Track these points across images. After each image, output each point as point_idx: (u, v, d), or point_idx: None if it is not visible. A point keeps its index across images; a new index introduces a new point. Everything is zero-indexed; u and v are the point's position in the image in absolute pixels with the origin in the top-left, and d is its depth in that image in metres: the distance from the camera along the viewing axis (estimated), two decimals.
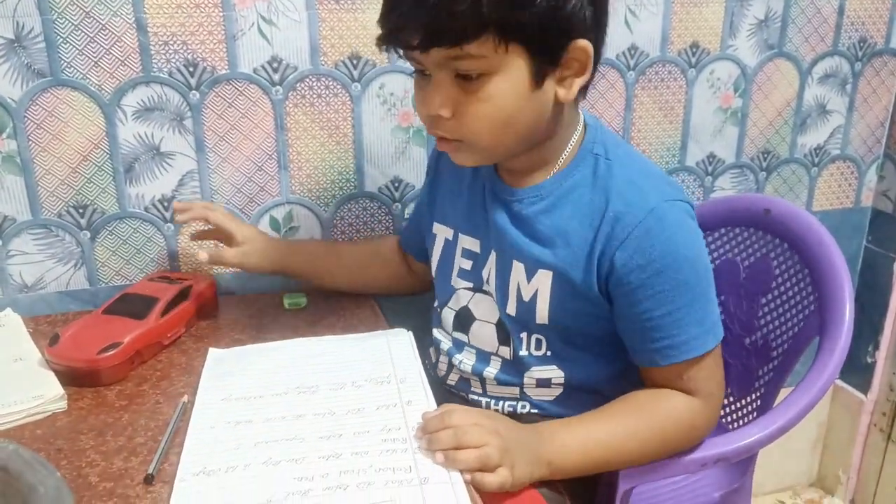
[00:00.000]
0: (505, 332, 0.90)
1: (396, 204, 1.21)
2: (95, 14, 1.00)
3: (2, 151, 1.03)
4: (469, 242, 0.93)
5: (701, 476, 1.03)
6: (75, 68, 1.02)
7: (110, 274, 1.12)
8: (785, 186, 1.44)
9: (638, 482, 0.86)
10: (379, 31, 0.78)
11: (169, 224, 1.12)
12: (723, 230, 1.12)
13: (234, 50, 1.07)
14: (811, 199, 1.47)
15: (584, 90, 0.82)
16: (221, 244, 1.06)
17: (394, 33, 0.76)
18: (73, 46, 1.01)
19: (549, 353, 0.88)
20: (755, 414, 1.05)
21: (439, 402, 0.81)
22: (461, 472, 0.70)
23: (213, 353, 0.95)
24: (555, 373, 0.89)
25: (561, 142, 0.85)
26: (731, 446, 0.88)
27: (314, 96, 1.12)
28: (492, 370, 0.92)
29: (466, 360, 0.93)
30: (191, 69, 1.06)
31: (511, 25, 0.72)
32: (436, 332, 0.99)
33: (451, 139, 0.81)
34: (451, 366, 0.95)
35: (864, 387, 1.58)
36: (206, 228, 1.08)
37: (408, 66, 0.83)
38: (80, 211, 1.08)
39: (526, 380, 0.90)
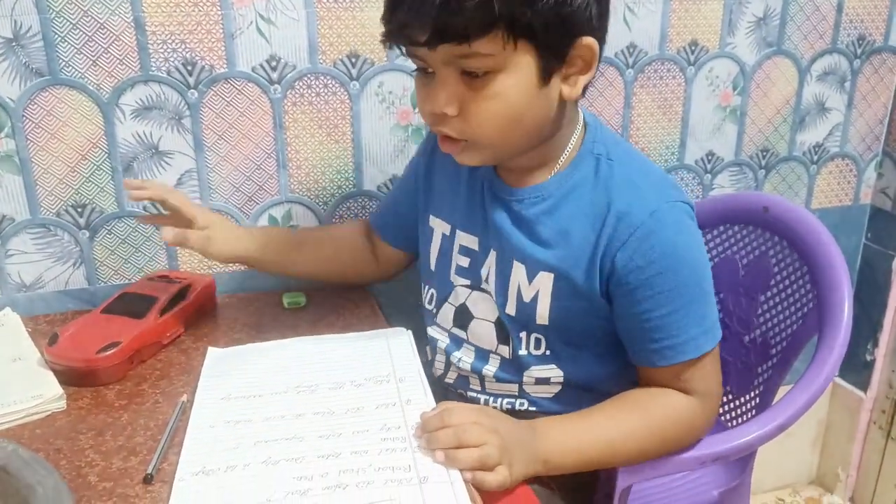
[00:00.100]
0: (504, 331, 0.90)
1: None
2: (94, 13, 1.00)
3: (0, 151, 1.03)
4: (467, 240, 0.92)
5: (700, 474, 1.03)
6: (74, 67, 1.02)
7: (109, 273, 1.12)
8: (784, 184, 1.44)
9: (637, 479, 0.86)
10: (381, 29, 0.77)
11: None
12: (721, 228, 1.12)
13: (233, 48, 1.07)
14: (810, 196, 1.47)
15: (584, 88, 0.81)
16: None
17: (400, 30, 0.75)
18: (72, 45, 1.01)
19: (548, 353, 0.88)
20: (754, 412, 1.06)
21: (437, 400, 0.81)
22: (461, 471, 0.70)
23: (213, 352, 0.95)
24: (554, 372, 0.89)
25: (562, 141, 0.85)
26: (730, 444, 0.88)
27: (313, 95, 1.12)
28: (491, 368, 0.91)
29: (465, 358, 0.93)
30: (189, 68, 1.06)
31: (521, 22, 0.71)
32: (430, 330, 0.98)
33: (456, 139, 0.80)
34: (448, 364, 0.95)
35: (864, 384, 1.58)
36: (163, 214, 1.00)
37: (407, 64, 0.82)
38: (79, 210, 1.08)
39: (525, 378, 0.90)
